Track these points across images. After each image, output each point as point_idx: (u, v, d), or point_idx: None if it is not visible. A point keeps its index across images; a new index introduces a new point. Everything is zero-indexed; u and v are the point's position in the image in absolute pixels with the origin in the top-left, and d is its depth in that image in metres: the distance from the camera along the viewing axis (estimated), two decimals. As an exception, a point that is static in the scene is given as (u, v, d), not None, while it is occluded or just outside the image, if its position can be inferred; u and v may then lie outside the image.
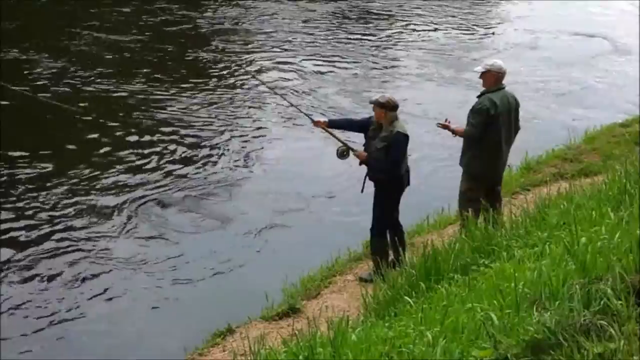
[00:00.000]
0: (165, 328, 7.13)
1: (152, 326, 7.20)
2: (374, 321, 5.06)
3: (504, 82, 7.20)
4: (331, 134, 7.33)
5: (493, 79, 7.14)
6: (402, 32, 18.77)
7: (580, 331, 2.89)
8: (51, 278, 7.90)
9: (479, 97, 7.20)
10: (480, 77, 7.22)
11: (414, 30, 19.10)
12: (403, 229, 7.43)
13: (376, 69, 15.81)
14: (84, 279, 7.90)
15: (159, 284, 7.85)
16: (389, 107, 6.84)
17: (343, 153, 7.15)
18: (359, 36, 18.21)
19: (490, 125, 7.03)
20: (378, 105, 6.87)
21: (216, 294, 7.66)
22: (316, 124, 7.31)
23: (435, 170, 10.43)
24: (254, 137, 11.85)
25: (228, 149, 11.38)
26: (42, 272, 8.00)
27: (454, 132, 7.30)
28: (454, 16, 20.89)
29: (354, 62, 16.03)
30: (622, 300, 2.97)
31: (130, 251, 8.45)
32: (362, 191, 7.22)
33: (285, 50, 16.70)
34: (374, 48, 17.28)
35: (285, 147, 11.55)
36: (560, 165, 9.72)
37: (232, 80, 14.66)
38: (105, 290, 7.74)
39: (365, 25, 19.37)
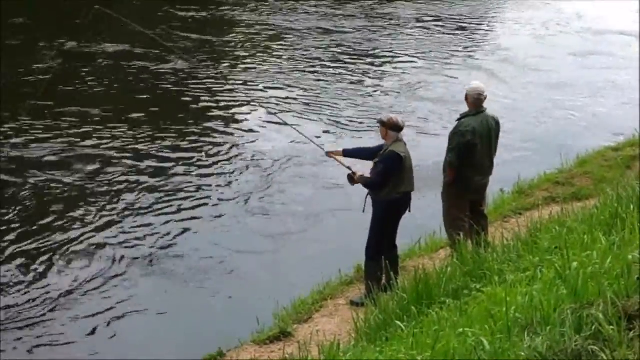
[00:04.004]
0: (156, 352, 7.05)
1: (142, 351, 7.12)
2: (365, 345, 5.02)
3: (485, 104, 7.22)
4: (339, 162, 7.43)
5: (470, 101, 7.17)
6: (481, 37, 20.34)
7: (572, 356, 2.88)
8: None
9: (458, 120, 7.23)
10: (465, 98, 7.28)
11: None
12: (398, 253, 7.41)
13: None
14: (72, 294, 7.95)
15: (149, 307, 7.79)
16: (388, 126, 6.95)
17: (348, 178, 7.17)
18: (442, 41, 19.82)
19: (471, 149, 7.06)
20: (381, 123, 7.04)
21: (207, 317, 7.61)
22: (329, 154, 7.54)
23: (427, 193, 10.39)
24: (253, 157, 11.85)
25: (226, 167, 11.43)
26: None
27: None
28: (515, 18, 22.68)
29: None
30: (613, 326, 2.96)
31: (117, 273, 8.42)
32: (363, 211, 7.20)
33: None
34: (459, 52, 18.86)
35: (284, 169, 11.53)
36: (552, 189, 9.72)
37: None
38: (88, 314, 7.69)
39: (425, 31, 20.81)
